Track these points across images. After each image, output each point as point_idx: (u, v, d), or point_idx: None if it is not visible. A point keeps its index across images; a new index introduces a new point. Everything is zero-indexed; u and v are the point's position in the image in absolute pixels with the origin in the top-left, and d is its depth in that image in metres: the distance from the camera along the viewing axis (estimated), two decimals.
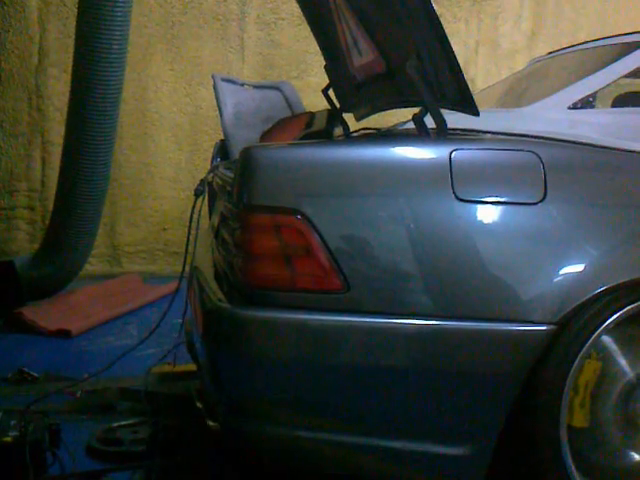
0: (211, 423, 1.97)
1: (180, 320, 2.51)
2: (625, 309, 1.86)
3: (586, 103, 2.48)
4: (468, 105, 1.94)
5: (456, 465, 1.85)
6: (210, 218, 2.90)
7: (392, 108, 2.62)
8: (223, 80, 3.21)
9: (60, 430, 2.34)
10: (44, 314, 4.08)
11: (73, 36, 3.95)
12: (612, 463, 1.94)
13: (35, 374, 3.15)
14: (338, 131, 2.85)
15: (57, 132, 5.02)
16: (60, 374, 3.18)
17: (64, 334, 3.88)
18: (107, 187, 4.33)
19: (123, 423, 2.67)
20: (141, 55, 5.26)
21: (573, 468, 1.86)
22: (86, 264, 4.66)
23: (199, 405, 2.21)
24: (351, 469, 1.92)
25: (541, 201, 1.82)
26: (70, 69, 4.04)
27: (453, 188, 1.80)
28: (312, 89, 4.89)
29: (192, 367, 2.64)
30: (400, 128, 2.57)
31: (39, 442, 2.22)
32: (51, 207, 4.48)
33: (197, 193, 2.44)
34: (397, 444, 1.83)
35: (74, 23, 3.91)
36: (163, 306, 2.50)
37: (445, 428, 1.84)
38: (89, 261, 4.79)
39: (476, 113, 1.93)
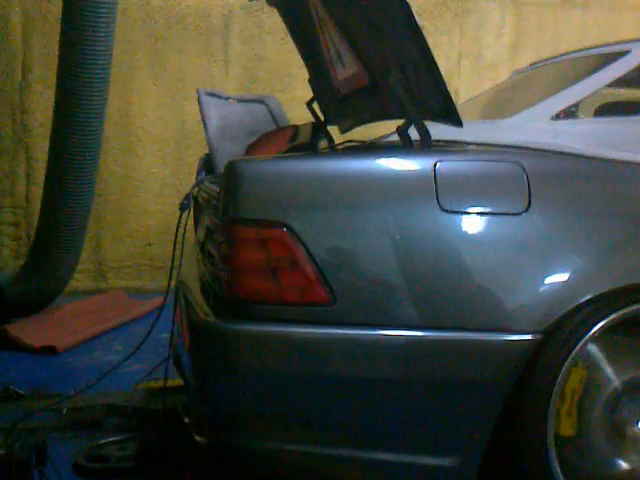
0: (198, 438, 1.96)
1: (167, 335, 2.50)
2: (610, 317, 1.87)
3: (569, 113, 2.51)
4: (452, 117, 1.95)
5: (444, 476, 1.85)
6: (196, 232, 2.89)
7: (376, 120, 2.63)
8: (207, 94, 3.21)
9: (47, 447, 2.32)
10: (29, 331, 4.05)
11: (57, 52, 3.95)
12: (599, 471, 1.94)
13: (21, 391, 3.12)
14: (323, 144, 2.86)
15: (41, 148, 5.00)
16: (46, 391, 3.16)
17: (50, 350, 3.85)
18: (92, 202, 4.32)
19: (110, 440, 2.65)
20: (125, 70, 5.26)
21: (561, 476, 1.86)
22: (71, 280, 4.64)
23: (186, 420, 2.19)
24: None
25: (525, 211, 1.83)
26: (54, 85, 4.04)
27: (438, 199, 1.81)
28: (296, 102, 4.88)
29: (179, 382, 2.62)
30: (384, 140, 2.58)
31: (25, 460, 2.19)
32: (36, 223, 4.45)
33: (182, 207, 2.43)
34: (384, 456, 1.82)
35: (58, 39, 3.91)
36: (149, 321, 2.49)
37: (432, 439, 1.83)
38: (74, 277, 4.77)
39: (460, 124, 1.94)
